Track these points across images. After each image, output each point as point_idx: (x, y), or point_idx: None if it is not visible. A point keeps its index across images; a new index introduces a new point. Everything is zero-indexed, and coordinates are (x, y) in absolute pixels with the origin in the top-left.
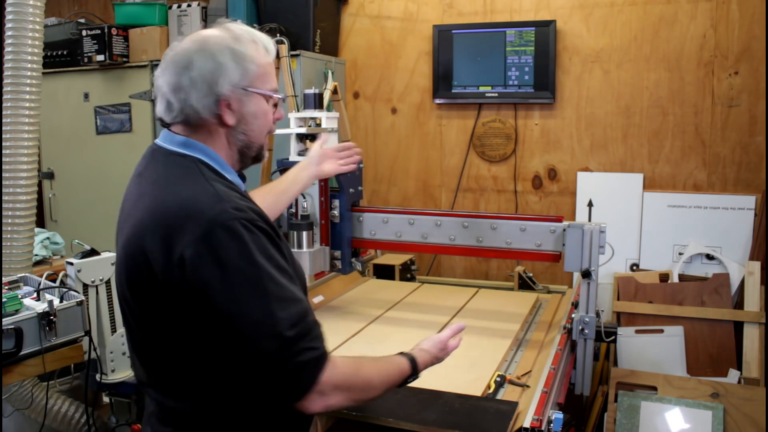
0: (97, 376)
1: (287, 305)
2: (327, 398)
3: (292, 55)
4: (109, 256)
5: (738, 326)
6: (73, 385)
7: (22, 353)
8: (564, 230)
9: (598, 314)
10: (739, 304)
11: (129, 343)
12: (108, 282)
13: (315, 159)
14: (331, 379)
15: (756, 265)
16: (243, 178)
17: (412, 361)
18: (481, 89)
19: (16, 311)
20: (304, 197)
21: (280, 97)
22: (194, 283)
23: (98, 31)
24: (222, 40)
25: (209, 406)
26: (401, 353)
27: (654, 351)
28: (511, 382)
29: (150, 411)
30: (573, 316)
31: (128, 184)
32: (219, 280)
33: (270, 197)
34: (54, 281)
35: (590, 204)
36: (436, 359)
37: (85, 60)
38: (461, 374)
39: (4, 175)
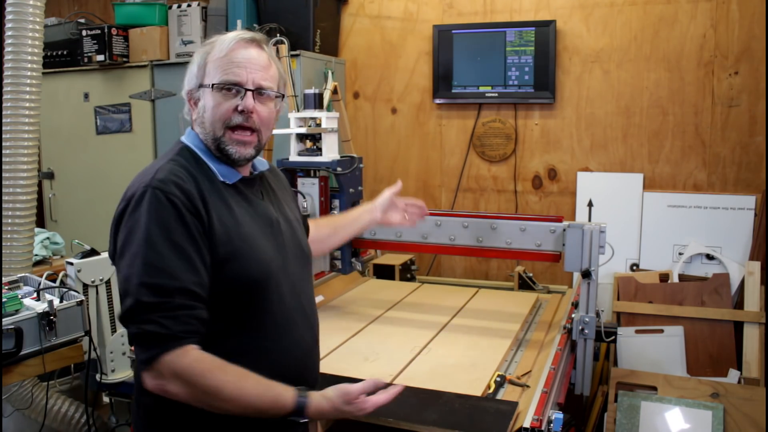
0: (97, 376)
1: (156, 274)
2: (163, 382)
3: (292, 55)
4: None
5: (738, 326)
6: (73, 385)
7: (22, 353)
8: (564, 230)
9: (598, 314)
10: (739, 304)
11: None
12: (108, 282)
13: (382, 206)
14: (172, 365)
15: (756, 265)
16: (251, 173)
17: (301, 399)
18: (481, 89)
19: (16, 311)
20: (304, 197)
21: (203, 84)
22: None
23: (98, 31)
24: (198, 50)
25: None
26: (299, 389)
27: (654, 351)
28: (511, 382)
29: None
30: (573, 316)
31: None
32: (119, 235)
33: (326, 230)
34: (54, 281)
35: (590, 204)
36: (339, 411)
37: (85, 60)
38: (461, 374)
39: (4, 175)
